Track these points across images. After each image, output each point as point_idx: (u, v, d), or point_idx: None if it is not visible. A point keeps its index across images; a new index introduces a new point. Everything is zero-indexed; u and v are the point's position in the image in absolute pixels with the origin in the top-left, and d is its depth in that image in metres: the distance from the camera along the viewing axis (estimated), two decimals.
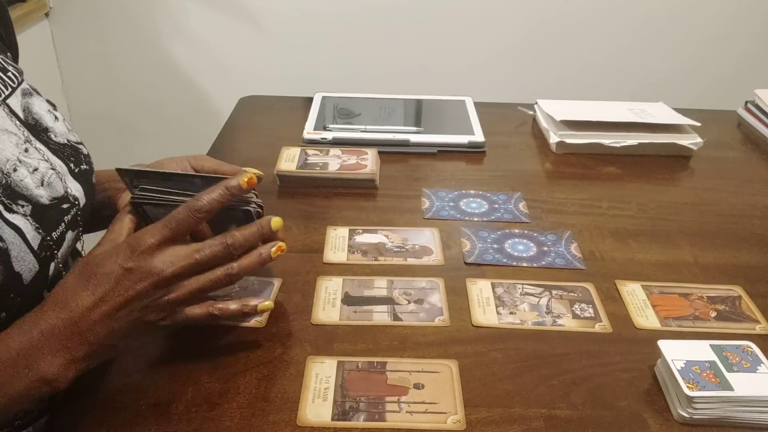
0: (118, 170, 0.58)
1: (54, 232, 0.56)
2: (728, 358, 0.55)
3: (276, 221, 0.57)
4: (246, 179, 0.54)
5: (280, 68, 1.77)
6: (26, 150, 0.58)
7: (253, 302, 0.57)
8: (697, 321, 0.65)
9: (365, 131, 1.00)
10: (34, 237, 0.54)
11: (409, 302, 0.66)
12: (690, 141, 0.99)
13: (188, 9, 1.73)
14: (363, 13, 1.71)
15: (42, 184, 0.57)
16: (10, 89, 0.61)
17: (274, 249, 0.57)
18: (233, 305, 0.56)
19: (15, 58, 0.70)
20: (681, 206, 0.86)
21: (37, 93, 0.65)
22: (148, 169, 0.59)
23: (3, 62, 0.63)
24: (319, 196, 0.85)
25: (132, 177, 0.58)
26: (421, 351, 0.60)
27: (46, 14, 1.74)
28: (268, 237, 0.57)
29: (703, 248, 0.77)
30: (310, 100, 1.12)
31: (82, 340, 0.49)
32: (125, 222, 0.56)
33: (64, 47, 1.79)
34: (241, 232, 0.55)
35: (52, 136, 0.62)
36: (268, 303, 0.58)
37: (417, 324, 0.63)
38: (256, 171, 0.58)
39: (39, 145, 0.60)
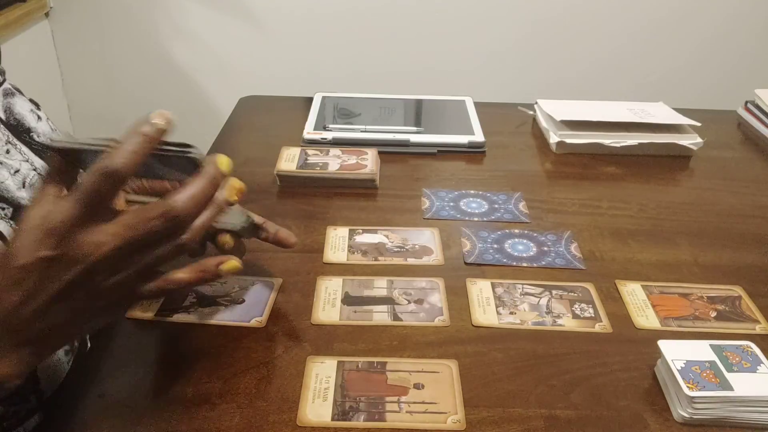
0: (50, 148, 0.45)
1: None
2: (728, 358, 0.55)
3: (223, 160, 0.45)
4: (157, 117, 0.43)
5: (280, 68, 1.77)
6: (8, 151, 0.57)
7: (212, 263, 0.48)
8: (697, 321, 0.65)
9: (365, 131, 1.00)
10: None
11: (409, 302, 0.66)
12: (690, 141, 0.99)
13: (188, 9, 1.73)
14: (363, 13, 1.71)
15: (24, 186, 0.57)
16: None
17: (228, 192, 0.46)
18: (186, 274, 0.47)
19: None
20: (681, 206, 0.86)
21: (20, 93, 0.64)
22: (82, 145, 0.44)
23: None
24: (319, 196, 0.85)
25: (66, 157, 0.44)
26: (421, 351, 0.60)
27: (46, 14, 1.74)
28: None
29: (703, 248, 0.77)
30: (310, 100, 1.12)
31: (21, 339, 0.44)
32: (45, 196, 0.43)
33: (64, 47, 1.79)
34: (187, 194, 0.43)
35: (35, 136, 0.62)
36: (233, 262, 0.48)
37: (417, 324, 0.63)
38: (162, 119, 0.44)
39: (21, 146, 0.59)
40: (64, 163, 0.44)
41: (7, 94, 0.63)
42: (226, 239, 0.59)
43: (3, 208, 0.54)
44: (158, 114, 0.43)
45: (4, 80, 0.64)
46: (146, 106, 1.95)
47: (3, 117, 0.60)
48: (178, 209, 0.42)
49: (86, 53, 1.80)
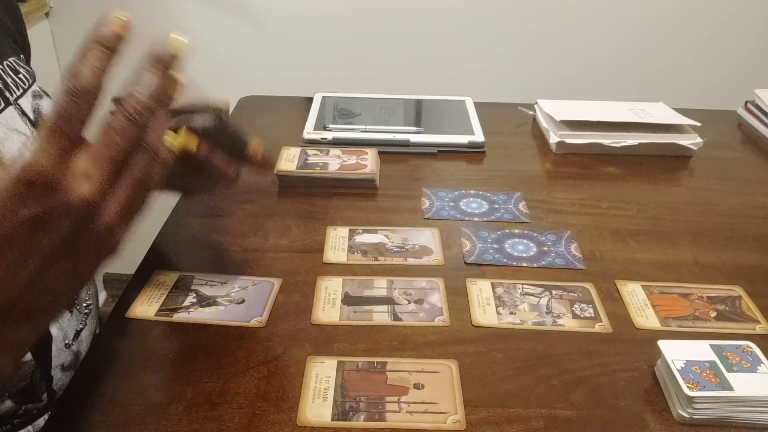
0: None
1: None
2: (728, 358, 0.55)
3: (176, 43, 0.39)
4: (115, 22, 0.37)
5: (280, 68, 1.77)
6: None
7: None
8: (697, 321, 0.65)
9: (365, 131, 1.00)
10: None
11: (409, 302, 0.66)
12: (690, 141, 0.99)
13: (188, 9, 1.73)
14: (363, 13, 1.71)
15: None
16: (21, 90, 0.62)
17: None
18: (143, 91, 0.38)
19: (27, 61, 0.71)
20: (681, 206, 0.86)
21: (48, 95, 0.66)
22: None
23: (15, 64, 0.64)
24: (319, 196, 0.85)
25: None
26: (421, 351, 0.60)
27: (46, 14, 1.74)
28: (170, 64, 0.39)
29: (703, 248, 0.77)
30: (310, 100, 1.12)
31: (12, 317, 0.35)
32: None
33: (64, 47, 1.79)
34: (137, 81, 0.38)
35: None
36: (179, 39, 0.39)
37: (417, 324, 0.63)
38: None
39: None
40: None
41: (36, 95, 0.64)
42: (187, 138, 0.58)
43: None
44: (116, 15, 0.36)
45: (34, 82, 0.65)
46: None
47: (32, 117, 0.61)
48: (133, 95, 0.37)
49: None
